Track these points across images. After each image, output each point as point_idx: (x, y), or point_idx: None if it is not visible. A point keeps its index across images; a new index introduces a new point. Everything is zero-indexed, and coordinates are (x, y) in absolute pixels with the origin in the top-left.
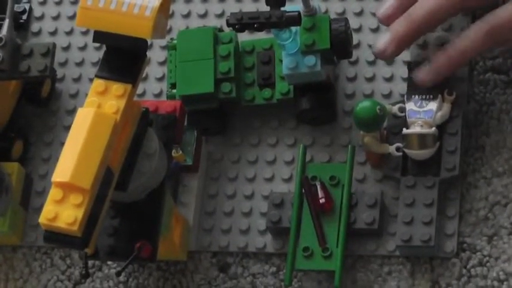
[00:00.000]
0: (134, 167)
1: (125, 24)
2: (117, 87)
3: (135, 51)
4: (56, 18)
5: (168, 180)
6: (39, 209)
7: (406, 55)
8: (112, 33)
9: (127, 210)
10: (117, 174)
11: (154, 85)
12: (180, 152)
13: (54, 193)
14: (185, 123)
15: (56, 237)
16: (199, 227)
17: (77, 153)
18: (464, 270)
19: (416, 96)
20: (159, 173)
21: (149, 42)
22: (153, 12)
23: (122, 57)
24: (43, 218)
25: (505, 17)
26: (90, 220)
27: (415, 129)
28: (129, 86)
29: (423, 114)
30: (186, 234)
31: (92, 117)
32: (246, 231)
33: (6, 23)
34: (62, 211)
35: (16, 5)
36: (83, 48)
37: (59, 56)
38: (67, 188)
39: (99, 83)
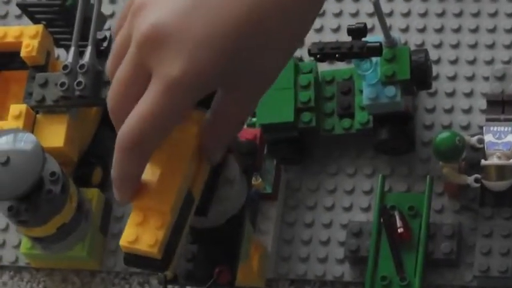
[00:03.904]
0: (215, 192)
1: None
2: (196, 113)
3: None
4: None
5: (248, 208)
6: (118, 235)
7: (484, 86)
8: None
9: (207, 236)
10: (198, 199)
11: None
12: (260, 179)
13: (134, 216)
14: (265, 151)
15: (136, 260)
16: (277, 255)
17: (157, 176)
18: None
19: (495, 128)
20: (239, 199)
21: None
22: None
23: None
24: (124, 241)
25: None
26: (170, 243)
27: (494, 160)
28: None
29: (502, 146)
30: (264, 262)
31: (172, 141)
32: (324, 259)
33: (88, 50)
34: (142, 234)
35: (97, 32)
36: None
37: None
38: (147, 211)
39: None
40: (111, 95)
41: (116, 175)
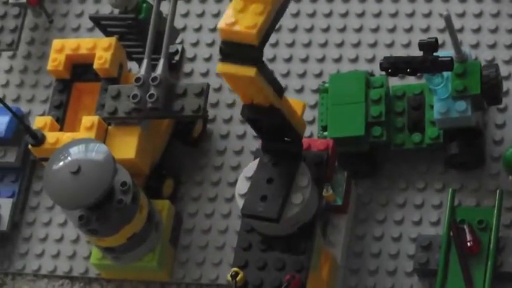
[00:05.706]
0: (288, 198)
1: None
2: None
3: None
4: (208, 59)
5: (319, 218)
6: (188, 247)
7: None
8: None
9: (278, 243)
10: None
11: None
12: (331, 191)
13: (235, 2)
14: (336, 163)
15: (231, 49)
16: (346, 267)
17: None
18: None
19: None
20: (310, 207)
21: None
22: None
23: None
24: (222, 23)
25: None
26: (269, 33)
27: None
28: None
29: None
30: (333, 273)
31: None
32: (393, 272)
33: (161, 62)
34: (242, 18)
35: (169, 46)
36: None
37: (211, 97)
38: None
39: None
40: None
41: None
